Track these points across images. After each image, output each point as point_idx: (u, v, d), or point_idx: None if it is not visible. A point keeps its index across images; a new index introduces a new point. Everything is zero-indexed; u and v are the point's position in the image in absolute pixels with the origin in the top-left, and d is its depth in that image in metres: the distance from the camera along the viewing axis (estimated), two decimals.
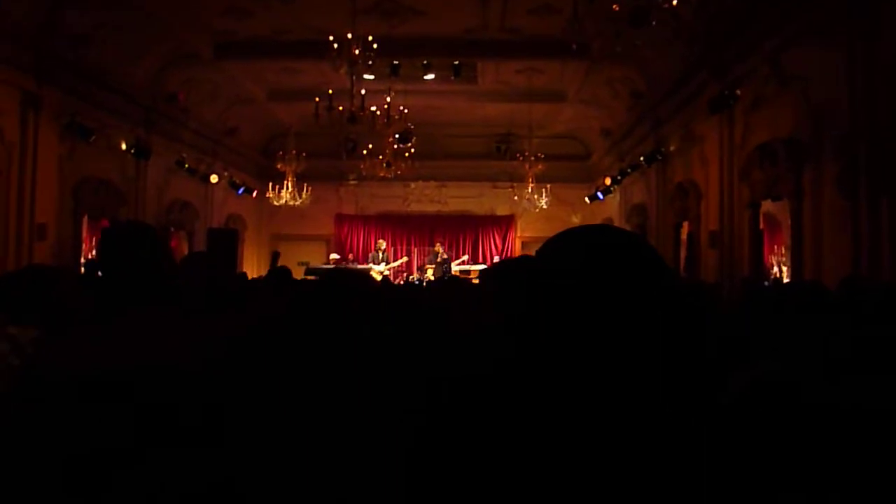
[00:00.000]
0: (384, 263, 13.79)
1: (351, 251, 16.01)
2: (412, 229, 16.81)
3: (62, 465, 1.00)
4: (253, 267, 15.33)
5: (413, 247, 16.36)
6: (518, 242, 16.76)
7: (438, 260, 13.49)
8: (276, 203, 13.68)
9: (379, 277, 11.36)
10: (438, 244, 14.11)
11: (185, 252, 12.59)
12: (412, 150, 11.77)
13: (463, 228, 16.83)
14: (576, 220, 15.71)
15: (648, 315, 0.76)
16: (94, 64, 9.17)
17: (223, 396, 1.12)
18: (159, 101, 11.21)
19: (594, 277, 0.78)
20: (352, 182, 16.25)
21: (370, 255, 14.52)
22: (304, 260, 13.97)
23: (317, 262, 14.25)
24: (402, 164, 11.97)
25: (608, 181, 13.15)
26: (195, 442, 1.06)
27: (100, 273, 1.47)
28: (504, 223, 16.92)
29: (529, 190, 13.68)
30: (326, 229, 16.97)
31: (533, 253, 0.90)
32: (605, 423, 0.73)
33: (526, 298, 0.83)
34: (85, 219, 9.62)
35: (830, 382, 1.02)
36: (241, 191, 14.10)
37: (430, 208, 16.87)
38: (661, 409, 0.73)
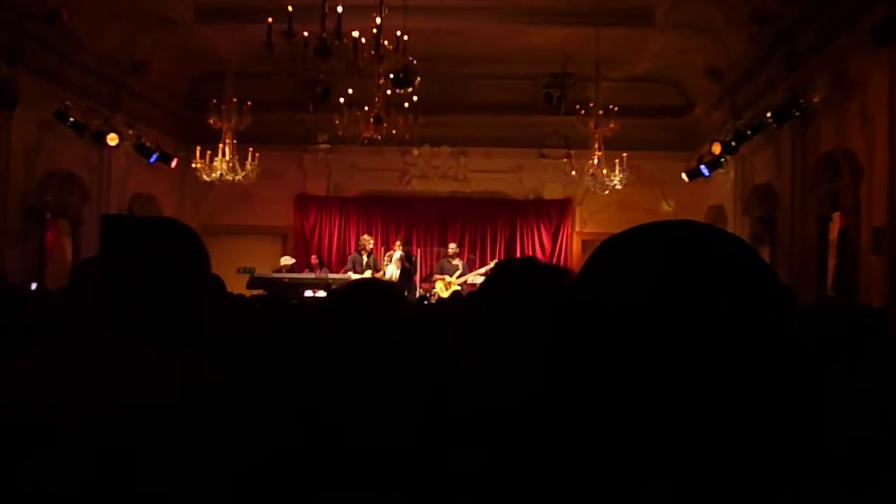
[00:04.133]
0: (370, 271, 14.10)
1: (318, 252, 16.24)
2: (414, 220, 16.96)
3: None
4: None
5: (416, 246, 16.51)
6: (577, 241, 16.82)
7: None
8: (205, 178, 13.94)
9: None
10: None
11: (68, 251, 12.81)
12: (415, 99, 11.95)
13: (491, 219, 16.97)
14: (667, 209, 16.11)
15: (747, 381, 0.80)
16: None
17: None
18: (31, 23, 11.27)
19: (668, 320, 0.81)
20: (322, 147, 16.65)
21: (350, 257, 14.91)
22: (246, 266, 14.44)
23: (265, 270, 14.72)
24: (400, 120, 12.19)
25: (717, 149, 13.39)
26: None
27: None
28: (555, 212, 17.00)
29: (595, 161, 13.86)
30: (283, 218, 17.03)
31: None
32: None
33: (558, 334, 0.90)
34: None
35: None
36: (153, 158, 14.40)
37: (443, 188, 17.11)
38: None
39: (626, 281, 0.85)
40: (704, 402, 0.80)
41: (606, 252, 0.91)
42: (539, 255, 16.59)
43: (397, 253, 14.44)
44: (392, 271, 14.26)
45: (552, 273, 2.01)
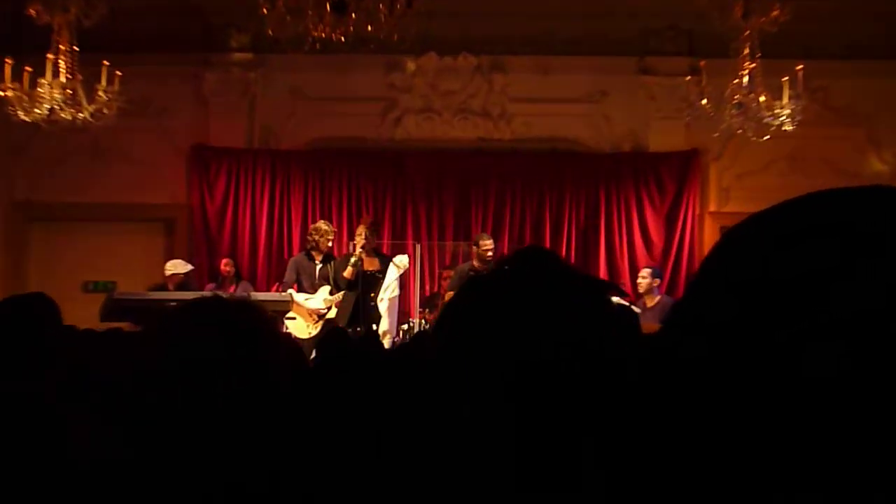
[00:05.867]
0: (330, 288, 13.78)
1: (232, 253, 15.69)
2: (409, 192, 16.58)
3: None
4: None
5: (411, 239, 16.12)
6: (711, 229, 16.08)
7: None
8: (23, 117, 13.28)
9: (305, 332, 13.14)
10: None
11: None
12: None
13: (553, 190, 16.32)
14: (881, 168, 15.72)
15: None
16: None
17: None
18: None
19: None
20: (238, 58, 16.29)
21: (292, 261, 14.38)
22: (100, 280, 15.35)
23: (136, 286, 14.50)
24: (381, 6, 11.99)
25: None
26: None
27: None
28: (671, 176, 16.33)
29: (745, 80, 13.10)
30: (167, 191, 16.56)
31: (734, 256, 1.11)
32: None
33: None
34: None
35: None
36: None
37: (462, 132, 16.54)
38: None
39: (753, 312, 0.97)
40: None
41: (724, 254, 1.08)
42: (642, 254, 15.99)
43: (401, 258, 13.95)
44: (393, 287, 13.81)
45: (583, 298, 1.90)
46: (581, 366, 1.65)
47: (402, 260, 13.94)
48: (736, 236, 1.05)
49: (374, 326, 13.05)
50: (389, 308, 13.52)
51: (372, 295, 13.60)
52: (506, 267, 2.11)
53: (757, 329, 0.93)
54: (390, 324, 13.56)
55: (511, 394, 1.72)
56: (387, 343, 12.92)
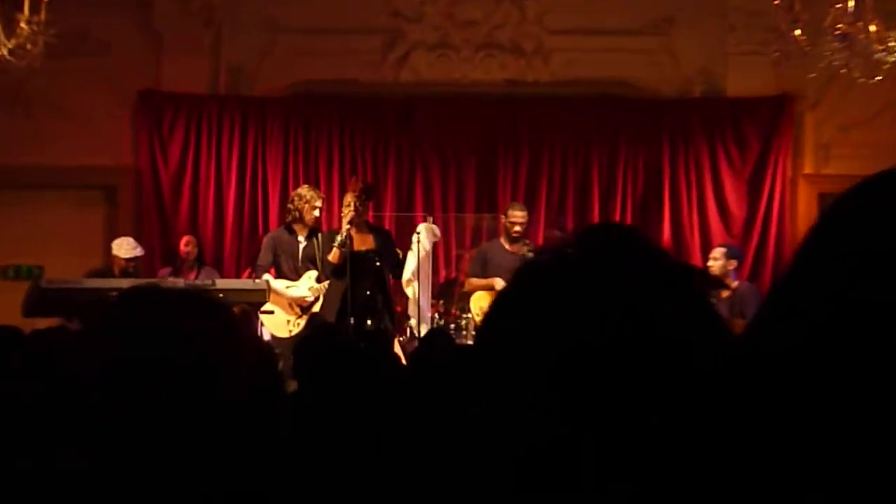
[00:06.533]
0: (316, 273, 13.64)
1: (193, 229, 15.55)
2: (418, 149, 16.49)
3: None
4: None
5: (421, 211, 15.95)
6: (806, 196, 16.15)
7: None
8: None
9: (285, 329, 13.14)
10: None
11: None
12: None
13: (604, 145, 16.19)
14: None
15: None
16: None
17: None
18: None
19: None
20: None
21: (268, 237, 14.29)
22: (23, 264, 15.70)
23: (70, 271, 14.40)
24: None
25: None
26: None
27: None
28: (756, 129, 16.15)
29: (849, 5, 12.83)
30: (110, 152, 16.32)
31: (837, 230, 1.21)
32: None
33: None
34: None
35: None
36: None
37: (486, 73, 16.60)
38: None
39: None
40: None
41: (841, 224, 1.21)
42: (718, 229, 15.93)
43: (422, 230, 13.98)
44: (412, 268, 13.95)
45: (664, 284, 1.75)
46: (632, 348, 1.52)
47: (431, 228, 14.02)
48: (840, 209, 1.16)
49: (370, 321, 12.88)
50: (422, 291, 13.54)
51: (367, 283, 13.34)
52: (569, 249, 1.91)
53: (862, 307, 1.01)
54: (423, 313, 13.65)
55: (551, 386, 1.62)
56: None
